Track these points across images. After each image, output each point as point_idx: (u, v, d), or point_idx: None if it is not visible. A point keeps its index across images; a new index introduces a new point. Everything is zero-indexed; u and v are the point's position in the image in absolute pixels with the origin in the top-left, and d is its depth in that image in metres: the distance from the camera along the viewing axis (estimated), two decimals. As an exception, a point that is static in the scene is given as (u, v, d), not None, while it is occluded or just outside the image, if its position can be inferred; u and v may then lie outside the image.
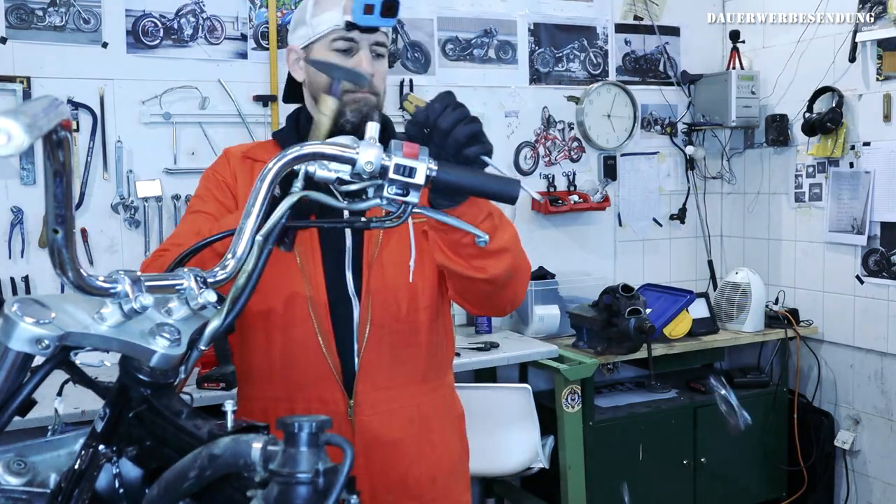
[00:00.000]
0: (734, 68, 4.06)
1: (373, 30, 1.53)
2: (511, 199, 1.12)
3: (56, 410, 1.09)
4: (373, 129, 1.05)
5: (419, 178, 1.03)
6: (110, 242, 3.14)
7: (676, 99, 4.22)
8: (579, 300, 3.70)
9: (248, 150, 1.73)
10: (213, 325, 1.01)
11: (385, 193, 1.04)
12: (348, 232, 1.58)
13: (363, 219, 1.14)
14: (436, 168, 1.05)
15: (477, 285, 1.45)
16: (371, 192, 1.05)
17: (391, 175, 1.02)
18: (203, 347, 1.06)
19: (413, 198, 1.05)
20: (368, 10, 1.46)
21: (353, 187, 1.05)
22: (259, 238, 1.03)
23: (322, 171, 1.04)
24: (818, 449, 3.80)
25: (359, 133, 1.42)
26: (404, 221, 1.08)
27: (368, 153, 1.01)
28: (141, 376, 0.97)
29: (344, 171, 1.04)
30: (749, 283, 3.80)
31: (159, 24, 3.18)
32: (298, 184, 1.05)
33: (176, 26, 3.21)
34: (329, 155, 1.02)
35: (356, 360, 1.57)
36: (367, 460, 1.56)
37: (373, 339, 1.57)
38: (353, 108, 1.55)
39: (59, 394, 1.10)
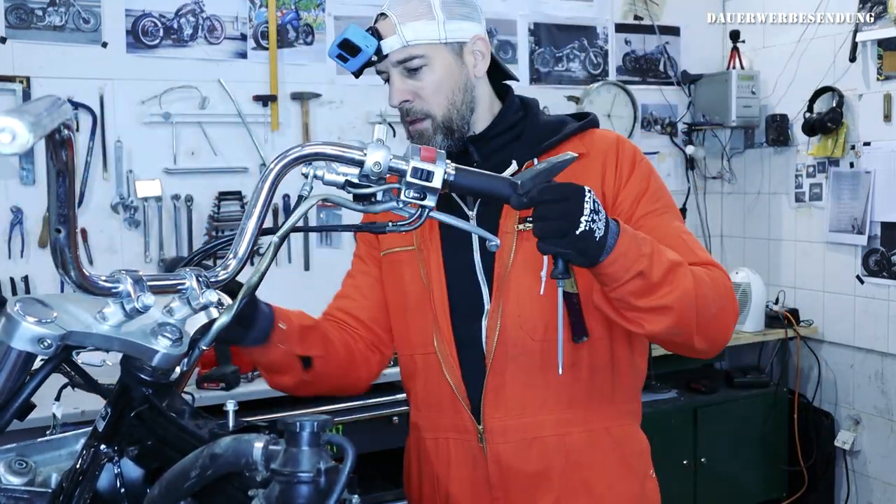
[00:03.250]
0: (734, 68, 4.06)
1: (371, 62, 1.42)
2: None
3: (54, 415, 1.09)
4: (380, 130, 1.05)
5: (436, 182, 1.03)
6: (110, 242, 3.14)
7: (676, 99, 4.22)
8: (579, 300, 3.69)
9: None
10: (222, 320, 1.02)
11: (402, 197, 1.04)
12: (475, 240, 1.46)
13: (378, 221, 1.12)
14: (454, 172, 1.05)
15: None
16: (381, 195, 1.05)
17: (408, 178, 1.02)
18: (204, 347, 1.07)
19: (430, 201, 1.05)
20: (342, 58, 1.41)
21: (363, 191, 1.05)
22: (276, 239, 1.04)
23: (330, 174, 1.04)
24: (818, 449, 3.80)
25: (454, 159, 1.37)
26: (420, 226, 1.08)
27: (376, 154, 1.01)
28: (142, 376, 0.97)
29: (352, 173, 1.03)
30: (749, 283, 3.79)
31: (159, 24, 3.18)
32: (307, 187, 1.05)
33: (176, 26, 3.21)
34: (332, 155, 1.02)
35: (483, 382, 1.44)
36: (505, 493, 1.44)
37: (500, 360, 1.42)
38: (416, 142, 1.43)
39: (58, 398, 1.10)
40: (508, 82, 1.57)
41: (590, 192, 1.14)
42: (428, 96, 1.42)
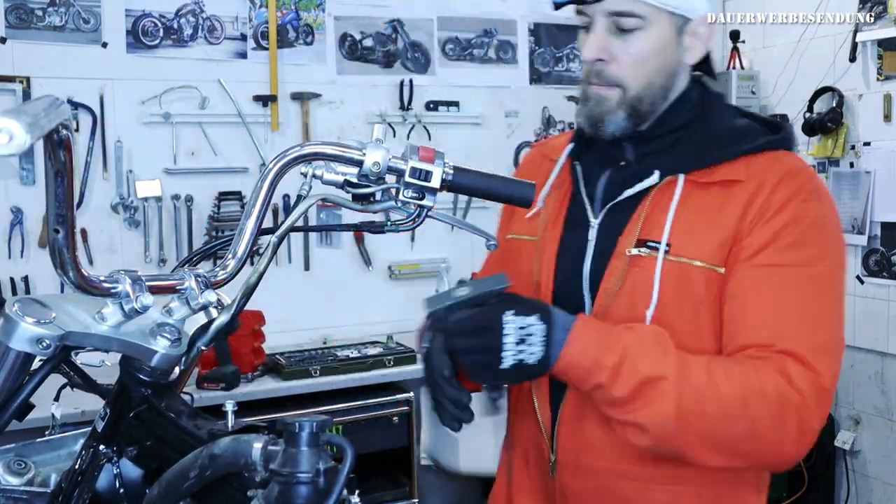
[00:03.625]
0: (734, 68, 4.06)
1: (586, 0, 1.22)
2: (526, 203, 1.10)
3: (53, 415, 1.09)
4: (379, 130, 1.04)
5: (435, 182, 1.03)
6: (110, 242, 3.14)
7: (676, 99, 4.22)
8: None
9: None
10: (221, 320, 1.02)
11: (401, 196, 1.04)
12: (590, 249, 1.28)
13: (377, 220, 1.11)
14: (452, 172, 1.05)
15: None
16: (379, 195, 1.05)
17: (407, 178, 1.02)
18: (203, 347, 1.07)
19: (428, 201, 1.05)
20: None
21: (362, 190, 1.04)
22: (274, 239, 1.04)
23: (329, 173, 1.04)
24: (818, 449, 3.80)
25: (598, 137, 1.26)
26: (419, 225, 1.08)
27: (375, 154, 1.01)
28: (141, 376, 0.97)
29: (351, 173, 1.03)
30: (749, 283, 3.79)
31: (159, 24, 3.18)
32: (306, 187, 1.05)
33: (176, 26, 3.21)
34: (331, 155, 1.02)
35: (560, 407, 1.27)
36: None
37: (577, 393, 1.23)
38: (586, 110, 1.28)
39: (56, 399, 1.10)
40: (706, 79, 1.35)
41: (514, 314, 1.04)
42: (629, 64, 1.22)
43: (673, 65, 1.26)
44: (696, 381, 1.09)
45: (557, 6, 1.26)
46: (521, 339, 1.05)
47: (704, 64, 1.32)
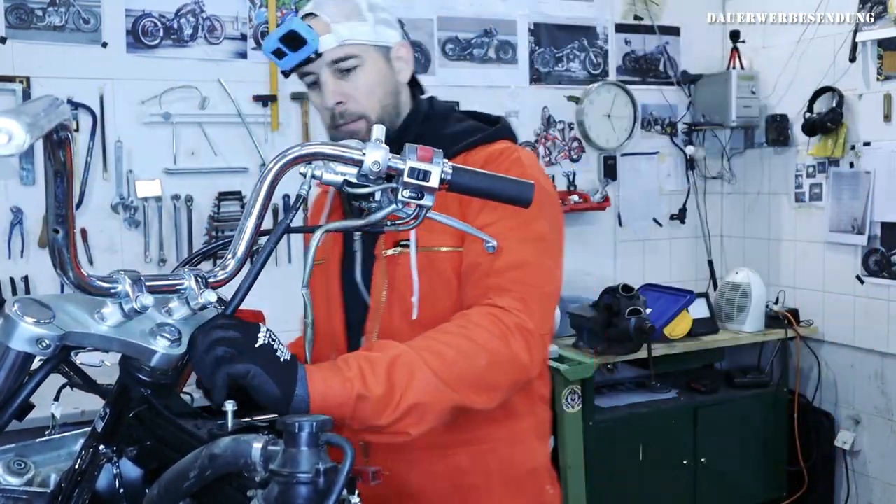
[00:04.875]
0: (734, 68, 4.06)
1: (309, 60, 1.39)
2: (525, 203, 1.11)
3: (53, 416, 1.09)
4: (378, 130, 1.04)
5: (433, 182, 1.03)
6: (110, 242, 3.14)
7: (676, 99, 4.22)
8: (579, 300, 3.70)
9: None
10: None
11: (399, 196, 1.04)
12: (358, 259, 1.48)
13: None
14: (451, 171, 1.05)
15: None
16: (378, 195, 1.05)
17: (405, 178, 1.02)
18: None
19: (427, 201, 1.05)
20: (278, 53, 1.38)
21: (362, 190, 1.05)
22: (271, 245, 1.04)
23: (328, 174, 1.04)
24: (818, 449, 3.80)
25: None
26: (419, 224, 1.08)
27: (375, 154, 1.01)
28: (141, 376, 0.97)
29: (350, 173, 1.04)
30: (749, 283, 3.79)
31: (159, 24, 3.18)
32: (305, 186, 1.05)
33: (176, 26, 3.20)
34: (331, 155, 1.02)
35: None
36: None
37: None
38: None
39: (56, 399, 1.10)
40: (434, 96, 1.57)
41: (266, 328, 1.06)
42: (362, 97, 1.42)
43: (393, 85, 1.47)
44: (426, 345, 1.20)
45: (286, 74, 1.44)
46: (273, 339, 1.05)
47: (416, 85, 1.54)
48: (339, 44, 1.39)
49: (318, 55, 1.39)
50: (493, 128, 1.50)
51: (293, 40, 1.36)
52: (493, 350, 1.23)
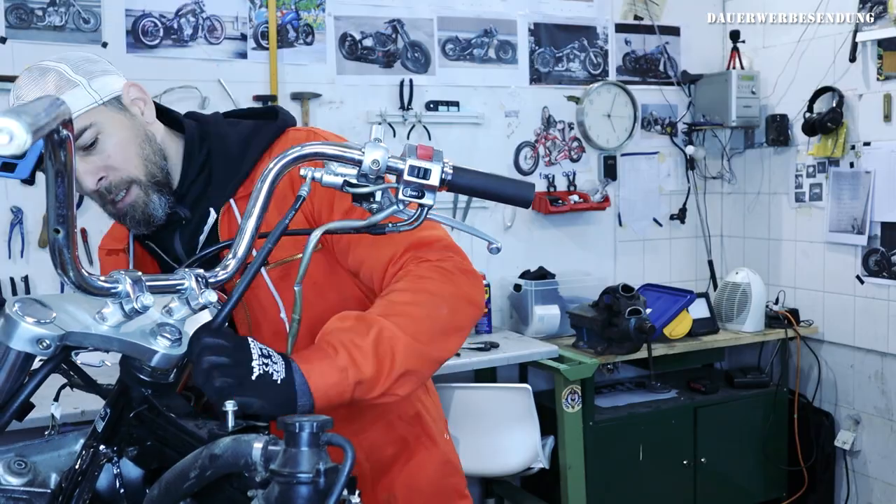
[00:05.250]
0: (734, 68, 4.06)
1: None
2: (525, 203, 1.11)
3: (53, 416, 1.09)
4: (378, 130, 1.04)
5: (434, 180, 1.03)
6: (110, 242, 3.14)
7: (676, 99, 4.22)
8: (579, 300, 3.70)
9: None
10: (220, 319, 1.02)
11: (400, 196, 1.04)
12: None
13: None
14: (451, 172, 1.05)
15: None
16: (379, 195, 1.05)
17: (406, 177, 1.02)
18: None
19: (428, 199, 1.05)
20: (6, 168, 1.21)
21: (362, 190, 1.05)
22: (268, 246, 1.04)
23: (329, 176, 1.04)
24: (818, 449, 3.80)
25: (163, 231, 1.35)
26: (420, 224, 1.08)
27: (374, 153, 1.01)
28: (142, 376, 0.97)
29: (350, 173, 1.03)
30: (749, 283, 3.79)
31: (159, 24, 3.18)
32: (305, 187, 1.05)
33: (176, 26, 3.20)
34: (330, 155, 1.02)
35: None
36: None
37: None
38: (133, 223, 1.35)
39: (56, 399, 1.10)
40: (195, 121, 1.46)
41: (253, 340, 1.06)
42: (119, 163, 1.30)
43: (143, 133, 1.34)
44: (393, 310, 1.21)
45: (30, 182, 1.32)
46: (263, 354, 1.06)
47: (162, 110, 1.43)
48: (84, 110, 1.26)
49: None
50: (276, 121, 1.43)
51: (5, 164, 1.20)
52: (449, 296, 1.27)
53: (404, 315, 1.21)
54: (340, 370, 1.11)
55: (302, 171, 1.04)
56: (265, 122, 1.43)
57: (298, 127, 1.46)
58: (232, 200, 1.38)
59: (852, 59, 3.57)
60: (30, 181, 1.31)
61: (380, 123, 1.14)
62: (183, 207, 1.39)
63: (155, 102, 1.41)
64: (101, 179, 1.30)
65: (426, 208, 1.06)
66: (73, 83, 1.26)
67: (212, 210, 1.38)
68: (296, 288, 1.13)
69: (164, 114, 1.44)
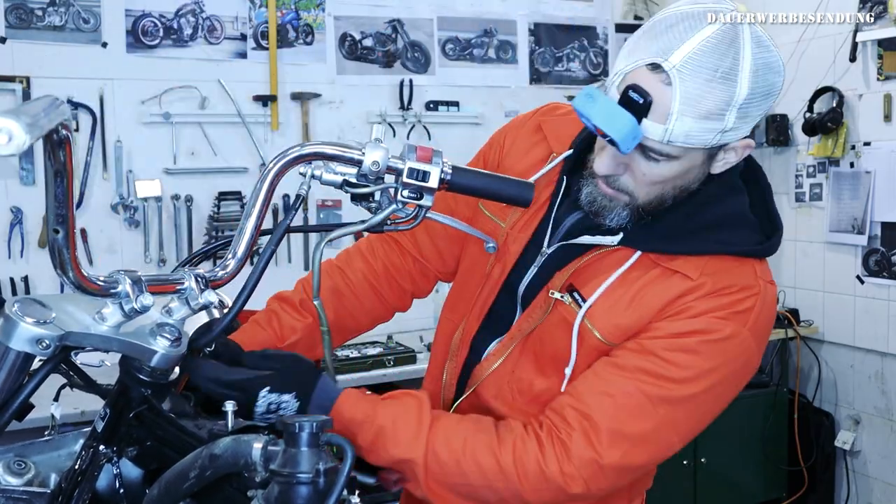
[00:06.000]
0: (734, 68, 4.06)
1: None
2: (525, 203, 1.10)
3: (53, 416, 1.09)
4: (378, 130, 1.04)
5: (433, 182, 1.03)
6: (110, 242, 3.14)
7: (676, 99, 4.22)
8: (579, 300, 3.69)
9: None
10: (226, 321, 1.02)
11: (399, 197, 1.04)
12: (529, 274, 1.27)
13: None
14: (450, 172, 1.05)
15: None
16: (378, 195, 1.05)
17: (405, 178, 1.02)
18: (207, 350, 1.07)
19: (427, 201, 1.05)
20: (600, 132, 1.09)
21: (361, 190, 1.05)
22: (272, 246, 1.04)
23: (328, 174, 1.04)
24: (818, 449, 3.80)
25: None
26: (417, 225, 1.08)
27: (374, 154, 1.01)
28: (141, 376, 0.97)
29: (350, 173, 1.04)
30: (749, 283, 3.79)
31: (159, 24, 3.18)
32: (304, 187, 1.05)
33: (176, 26, 3.20)
34: (330, 155, 1.02)
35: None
36: None
37: (482, 394, 1.31)
38: (590, 198, 1.20)
39: (56, 399, 1.10)
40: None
41: (269, 391, 1.07)
42: (644, 183, 1.13)
43: (698, 177, 1.16)
44: (447, 459, 1.12)
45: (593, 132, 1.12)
46: (272, 409, 1.07)
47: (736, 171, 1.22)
48: (664, 142, 1.06)
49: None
50: (762, 245, 1.24)
51: (629, 104, 1.04)
52: (511, 497, 1.14)
53: (444, 472, 1.12)
54: (356, 443, 1.11)
55: (301, 170, 1.04)
56: (752, 233, 1.25)
57: (762, 267, 1.23)
58: (639, 253, 1.19)
59: (852, 59, 3.57)
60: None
61: (380, 123, 1.14)
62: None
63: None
64: (614, 175, 1.15)
65: (424, 209, 1.06)
66: (720, 118, 1.05)
67: (621, 235, 1.20)
68: (315, 302, 1.12)
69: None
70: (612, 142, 1.06)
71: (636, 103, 1.04)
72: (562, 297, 1.22)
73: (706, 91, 1.03)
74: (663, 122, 1.04)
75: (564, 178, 1.27)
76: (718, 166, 1.15)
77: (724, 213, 1.20)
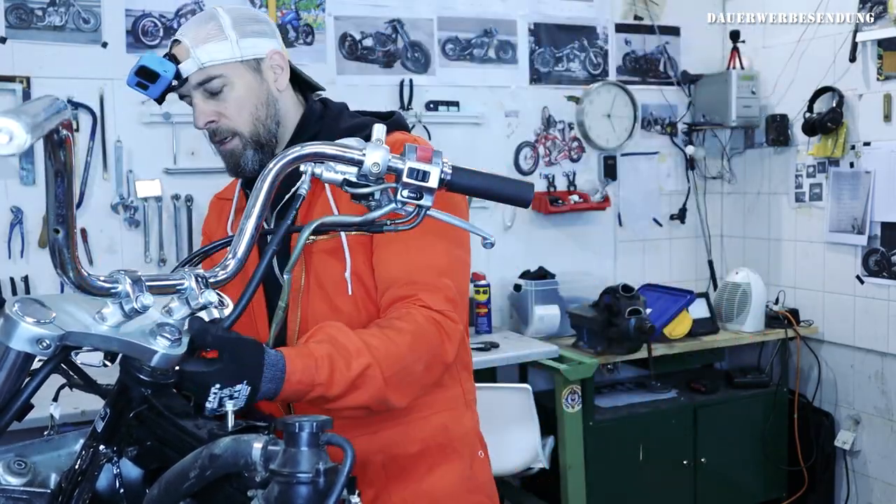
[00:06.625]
0: (734, 68, 4.06)
1: (173, 87, 1.43)
2: (525, 203, 1.11)
3: (52, 416, 1.09)
4: (379, 130, 1.05)
5: (433, 182, 1.03)
6: (110, 242, 3.14)
7: (676, 99, 4.22)
8: (579, 300, 3.70)
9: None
10: (229, 321, 1.02)
11: (399, 196, 1.04)
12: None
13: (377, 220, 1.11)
14: (450, 172, 1.05)
15: None
16: (378, 195, 1.06)
17: (405, 178, 1.02)
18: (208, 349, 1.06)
19: (427, 201, 1.05)
20: (141, 86, 1.42)
21: (361, 190, 1.05)
22: (274, 246, 1.05)
23: (328, 172, 1.04)
24: (818, 449, 3.80)
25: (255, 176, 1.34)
26: (418, 224, 1.08)
27: (375, 154, 1.01)
28: (141, 376, 0.97)
29: (350, 172, 1.04)
30: (749, 283, 3.79)
31: (159, 24, 3.18)
32: (304, 186, 1.05)
33: (176, 26, 3.20)
34: (330, 155, 1.02)
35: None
36: None
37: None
38: (225, 163, 1.50)
39: (56, 399, 1.10)
40: (324, 94, 1.60)
41: (220, 388, 1.06)
42: (232, 115, 1.45)
43: (266, 96, 1.48)
44: (386, 352, 1.26)
45: (158, 101, 1.47)
46: (224, 399, 1.07)
47: (301, 81, 1.56)
48: (199, 68, 1.42)
49: (185, 80, 1.43)
50: (389, 120, 1.51)
51: (148, 74, 1.40)
52: (432, 356, 1.33)
53: (392, 360, 1.26)
54: (315, 384, 1.17)
55: (301, 168, 1.04)
56: (376, 119, 1.51)
57: (404, 132, 1.54)
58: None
59: (852, 59, 3.57)
60: (159, 101, 1.46)
61: (380, 123, 1.14)
62: None
63: (306, 76, 1.56)
64: (210, 122, 1.45)
65: (424, 209, 1.06)
66: (223, 36, 1.42)
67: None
68: (285, 276, 1.15)
69: (308, 87, 1.58)
70: (178, 78, 1.41)
71: (168, 56, 1.43)
72: (313, 238, 1.40)
73: (199, 28, 1.43)
74: (190, 56, 1.41)
75: (249, 192, 1.49)
76: (277, 82, 1.48)
77: (348, 125, 1.52)
